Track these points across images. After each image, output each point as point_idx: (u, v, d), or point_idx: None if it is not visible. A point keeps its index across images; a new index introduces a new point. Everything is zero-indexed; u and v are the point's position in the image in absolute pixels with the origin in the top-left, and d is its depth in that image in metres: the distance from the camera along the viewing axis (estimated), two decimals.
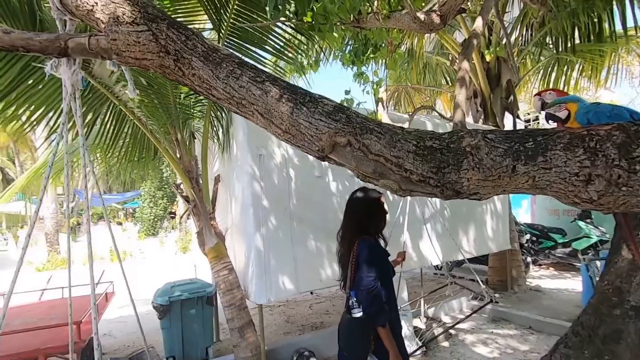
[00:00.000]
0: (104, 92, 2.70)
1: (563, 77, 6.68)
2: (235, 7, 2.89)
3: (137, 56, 1.07)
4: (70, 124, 3.02)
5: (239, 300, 3.19)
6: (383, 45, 3.16)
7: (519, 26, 5.83)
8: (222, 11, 2.82)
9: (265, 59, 3.30)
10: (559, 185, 0.99)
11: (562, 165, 0.97)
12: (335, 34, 2.90)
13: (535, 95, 1.59)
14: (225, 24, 2.91)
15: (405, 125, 3.40)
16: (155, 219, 17.42)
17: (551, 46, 6.28)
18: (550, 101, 1.50)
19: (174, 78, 1.13)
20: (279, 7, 2.43)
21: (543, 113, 1.54)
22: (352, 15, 2.58)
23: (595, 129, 0.96)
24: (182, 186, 3.36)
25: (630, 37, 5.77)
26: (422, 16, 2.23)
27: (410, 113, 3.75)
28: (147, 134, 2.99)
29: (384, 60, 3.51)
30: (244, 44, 3.20)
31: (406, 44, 6.52)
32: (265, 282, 3.05)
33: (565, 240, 6.97)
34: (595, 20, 5.33)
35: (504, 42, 5.67)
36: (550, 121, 1.34)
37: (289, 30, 3.32)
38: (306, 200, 3.32)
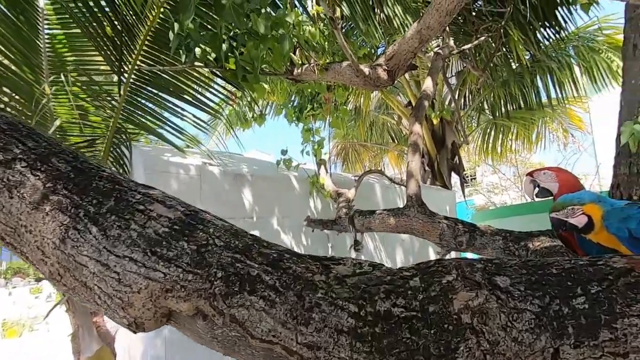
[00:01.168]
0: None
1: (499, 141, 7.10)
2: (145, 47, 2.36)
3: None
4: None
5: None
6: (323, 102, 2.79)
7: (457, 92, 6.05)
8: (123, 50, 2.26)
9: (185, 110, 2.73)
10: None
11: None
12: (265, 85, 2.47)
13: (527, 175, 1.16)
14: (129, 66, 2.34)
15: (352, 193, 2.96)
16: None
17: (488, 112, 6.63)
18: (545, 185, 1.08)
19: None
20: (191, 49, 1.95)
21: (539, 199, 1.14)
22: (285, 66, 2.16)
23: None
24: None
25: (555, 106, 6.26)
26: (366, 70, 1.85)
27: (357, 176, 3.33)
28: None
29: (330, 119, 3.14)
30: (160, 93, 2.64)
31: (352, 102, 6.48)
32: None
33: None
34: (524, 90, 5.75)
35: (445, 104, 5.82)
36: (560, 230, 0.88)
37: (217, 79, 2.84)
38: None
